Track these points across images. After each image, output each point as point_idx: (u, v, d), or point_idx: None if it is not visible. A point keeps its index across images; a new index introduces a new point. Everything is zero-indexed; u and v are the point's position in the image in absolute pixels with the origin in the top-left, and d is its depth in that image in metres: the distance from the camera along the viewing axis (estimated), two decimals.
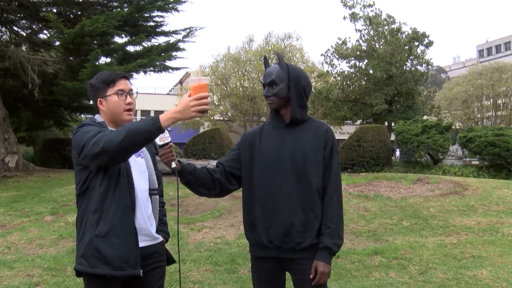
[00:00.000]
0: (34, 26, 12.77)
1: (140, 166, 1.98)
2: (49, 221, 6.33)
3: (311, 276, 1.91)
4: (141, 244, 1.91)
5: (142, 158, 2.02)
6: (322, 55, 26.04)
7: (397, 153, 15.27)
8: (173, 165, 1.90)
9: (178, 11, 12.59)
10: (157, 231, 2.05)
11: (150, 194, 2.02)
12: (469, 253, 4.92)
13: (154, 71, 12.90)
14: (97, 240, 1.80)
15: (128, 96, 1.97)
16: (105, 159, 1.73)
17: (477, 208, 6.87)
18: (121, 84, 1.96)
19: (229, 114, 25.87)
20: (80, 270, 1.82)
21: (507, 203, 7.12)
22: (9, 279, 4.07)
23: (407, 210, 6.79)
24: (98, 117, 2.00)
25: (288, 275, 2.07)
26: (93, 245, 1.79)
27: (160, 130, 1.68)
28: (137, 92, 2.05)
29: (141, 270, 1.85)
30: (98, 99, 1.97)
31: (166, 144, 1.89)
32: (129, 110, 1.98)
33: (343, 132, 27.04)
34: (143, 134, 1.67)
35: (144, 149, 2.02)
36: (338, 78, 21.37)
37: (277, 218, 1.95)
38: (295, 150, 1.98)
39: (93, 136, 1.73)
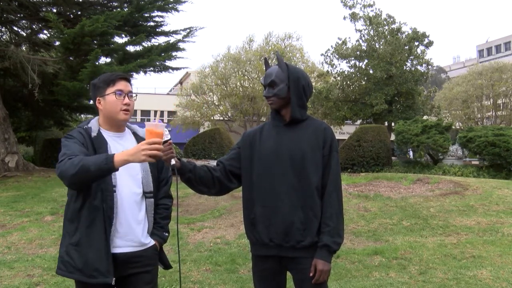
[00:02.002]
0: (34, 26, 12.76)
1: (132, 168, 1.97)
2: (49, 221, 6.33)
3: (311, 274, 1.92)
4: (124, 249, 1.92)
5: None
6: (322, 55, 26.08)
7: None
8: (173, 162, 1.90)
9: (178, 11, 12.59)
10: (151, 235, 2.04)
11: (145, 197, 2.01)
12: (469, 253, 4.92)
13: (154, 71, 12.89)
14: (71, 248, 1.88)
15: (126, 97, 1.98)
16: (66, 184, 1.82)
17: (477, 208, 6.87)
18: (121, 85, 1.98)
19: (229, 114, 25.86)
20: (59, 274, 1.93)
21: (507, 203, 7.12)
22: (9, 279, 4.07)
23: (407, 210, 6.79)
24: (93, 121, 2.01)
25: (289, 275, 2.07)
26: (68, 253, 1.88)
27: (112, 170, 1.72)
28: (136, 94, 2.06)
29: (114, 278, 1.87)
30: (97, 98, 1.99)
31: (166, 141, 1.90)
32: (126, 110, 1.99)
33: (343, 132, 27.03)
34: (95, 172, 1.71)
35: None
36: (338, 78, 21.37)
37: (277, 216, 1.95)
38: (294, 149, 1.99)
39: (60, 157, 1.82)
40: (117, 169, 1.73)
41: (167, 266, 2.16)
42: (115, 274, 1.87)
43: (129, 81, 2.04)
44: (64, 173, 1.74)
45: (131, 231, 1.94)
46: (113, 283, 1.87)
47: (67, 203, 1.96)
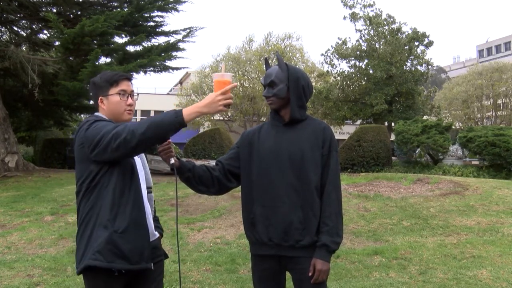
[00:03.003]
0: (34, 26, 12.77)
1: (138, 165, 2.02)
2: (49, 221, 6.33)
3: (310, 274, 1.92)
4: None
5: (138, 157, 2.04)
6: (322, 55, 26.06)
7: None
8: (172, 161, 1.90)
9: (178, 11, 12.60)
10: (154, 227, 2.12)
11: (147, 192, 2.07)
12: (469, 253, 4.92)
13: (154, 71, 12.91)
14: (115, 236, 1.78)
15: (129, 98, 2.00)
16: (126, 152, 1.74)
17: (477, 208, 6.87)
18: (124, 85, 1.99)
19: (229, 114, 25.86)
20: (96, 266, 1.77)
21: (507, 203, 7.12)
22: (9, 279, 4.07)
23: (407, 210, 6.79)
24: (100, 115, 2.00)
25: (288, 274, 2.07)
26: (111, 241, 1.78)
27: (182, 124, 1.70)
28: (137, 94, 2.07)
29: (152, 264, 1.92)
30: (100, 97, 1.98)
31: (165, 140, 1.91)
32: (130, 110, 2.01)
33: (343, 132, 27.02)
34: (166, 126, 1.69)
35: None
36: (338, 78, 21.37)
37: (276, 216, 1.96)
38: (293, 149, 1.99)
39: (112, 130, 1.74)
40: (186, 124, 1.71)
41: (165, 255, 2.25)
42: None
43: (130, 81, 2.06)
44: (133, 133, 1.67)
45: (148, 222, 1.98)
46: (152, 267, 1.91)
47: (93, 189, 1.82)
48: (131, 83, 2.05)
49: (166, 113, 1.72)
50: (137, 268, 1.85)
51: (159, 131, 1.70)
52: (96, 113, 2.01)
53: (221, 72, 1.80)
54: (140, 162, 2.04)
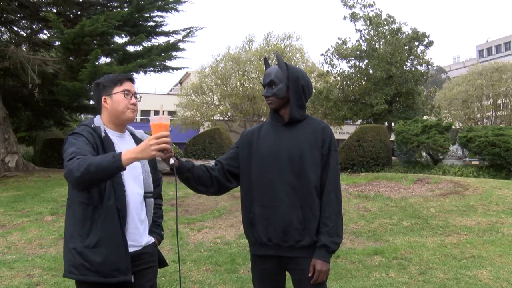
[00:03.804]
0: (34, 26, 12.76)
1: (135, 169, 2.00)
2: (49, 221, 6.33)
3: (310, 275, 1.91)
4: (131, 249, 1.93)
5: (138, 161, 2.00)
6: (322, 55, 26.07)
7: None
8: (172, 161, 1.90)
9: (178, 11, 12.59)
10: (150, 232, 2.07)
11: (145, 197, 2.04)
12: (469, 253, 4.92)
13: (154, 71, 12.89)
14: (87, 251, 1.84)
15: (133, 98, 2.02)
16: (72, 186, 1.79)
17: (477, 208, 6.87)
18: (128, 85, 2.02)
19: (229, 114, 25.84)
20: (70, 278, 1.89)
21: (507, 203, 7.12)
22: (9, 279, 4.07)
23: (407, 210, 6.79)
24: (97, 120, 2.00)
25: (288, 275, 2.06)
26: (83, 256, 1.84)
27: (120, 168, 1.67)
28: (140, 96, 2.09)
29: (132, 276, 1.89)
30: (103, 97, 1.99)
31: None
32: (133, 109, 2.02)
33: (343, 132, 27.03)
34: (103, 171, 1.66)
35: None
36: (338, 78, 21.38)
37: (275, 216, 1.95)
38: (293, 148, 1.98)
39: (69, 155, 1.76)
40: (125, 168, 1.68)
41: (163, 262, 2.19)
42: None
43: (133, 82, 2.08)
44: (72, 172, 1.67)
45: (136, 230, 1.97)
46: (132, 280, 1.89)
47: (72, 203, 1.93)
48: (134, 86, 2.07)
49: (105, 157, 1.68)
50: (113, 281, 1.85)
51: (96, 175, 1.67)
52: (96, 117, 2.03)
53: (159, 115, 1.76)
54: (139, 165, 2.03)
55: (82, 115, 18.18)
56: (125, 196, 1.91)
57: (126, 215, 1.91)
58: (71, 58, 11.36)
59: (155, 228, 2.13)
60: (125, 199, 1.90)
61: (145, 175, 2.05)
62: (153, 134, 1.70)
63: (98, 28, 9.68)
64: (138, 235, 1.98)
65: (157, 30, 13.13)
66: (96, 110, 2.07)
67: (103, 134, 1.94)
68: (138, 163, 2.02)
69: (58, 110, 14.75)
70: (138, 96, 2.07)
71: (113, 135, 2.01)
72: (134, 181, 1.99)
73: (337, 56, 21.45)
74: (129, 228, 1.94)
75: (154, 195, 2.11)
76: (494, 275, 4.15)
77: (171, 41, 12.72)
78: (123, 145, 2.01)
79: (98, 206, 1.85)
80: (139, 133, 2.16)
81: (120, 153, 1.67)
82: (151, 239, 2.07)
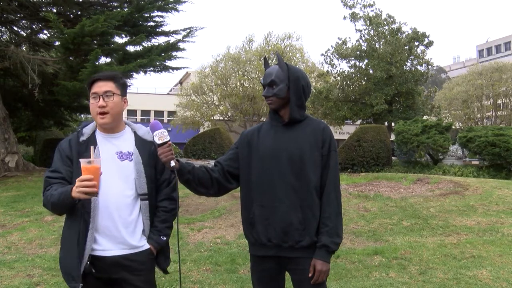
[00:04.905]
0: (34, 26, 12.75)
1: (125, 169, 1.95)
2: (49, 221, 6.33)
3: (310, 275, 1.91)
4: (112, 252, 1.90)
5: (131, 161, 1.97)
6: (322, 55, 26.04)
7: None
8: (172, 163, 1.89)
9: (178, 11, 12.57)
10: (147, 239, 2.00)
11: (140, 199, 1.98)
12: (469, 253, 4.92)
13: (154, 71, 12.87)
14: (59, 253, 2.01)
15: (101, 99, 1.93)
16: None
17: (477, 208, 6.87)
18: (96, 87, 1.95)
19: (229, 114, 25.84)
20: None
21: (507, 203, 7.12)
22: (9, 279, 4.07)
23: (407, 210, 6.79)
24: (91, 124, 2.04)
25: (287, 275, 2.06)
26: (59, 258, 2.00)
27: (74, 202, 1.80)
28: (114, 94, 1.96)
29: (81, 285, 1.85)
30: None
31: (165, 143, 1.89)
32: (101, 114, 1.94)
33: (343, 132, 27.02)
34: (62, 206, 1.84)
35: (136, 151, 2.00)
36: (338, 78, 21.37)
37: (275, 216, 1.95)
38: (293, 148, 1.98)
39: (44, 183, 1.94)
40: (77, 201, 1.78)
41: (164, 270, 2.11)
42: (103, 275, 1.90)
43: (109, 79, 1.96)
44: (45, 205, 1.90)
45: (118, 233, 1.92)
46: None
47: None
48: (110, 83, 1.96)
49: (62, 192, 1.81)
50: (69, 286, 1.90)
51: (58, 208, 1.89)
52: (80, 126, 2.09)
53: (90, 158, 1.74)
54: (131, 166, 1.96)
55: (82, 115, 18.15)
56: (92, 200, 1.85)
57: (90, 220, 1.88)
58: (71, 58, 11.34)
59: (153, 233, 2.00)
60: (90, 203, 1.87)
61: (136, 175, 1.96)
62: (81, 176, 1.73)
63: (98, 28, 9.66)
64: (121, 238, 1.91)
65: (157, 30, 13.11)
66: None
67: (82, 138, 1.96)
68: (131, 162, 1.97)
69: (58, 110, 14.75)
70: (111, 93, 1.93)
71: (102, 136, 2.01)
72: (125, 182, 1.94)
73: (337, 56, 21.45)
74: (107, 232, 1.90)
75: (160, 197, 2.04)
76: (494, 275, 4.15)
77: (171, 41, 12.71)
78: (114, 145, 1.99)
79: (71, 215, 1.93)
80: (143, 130, 2.08)
81: (71, 189, 1.76)
82: (145, 245, 1.97)
